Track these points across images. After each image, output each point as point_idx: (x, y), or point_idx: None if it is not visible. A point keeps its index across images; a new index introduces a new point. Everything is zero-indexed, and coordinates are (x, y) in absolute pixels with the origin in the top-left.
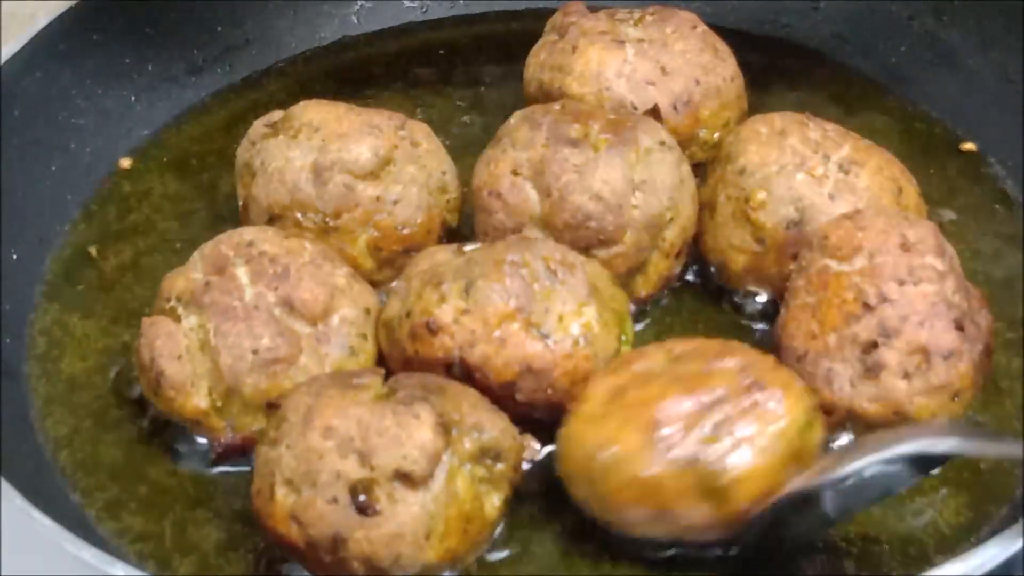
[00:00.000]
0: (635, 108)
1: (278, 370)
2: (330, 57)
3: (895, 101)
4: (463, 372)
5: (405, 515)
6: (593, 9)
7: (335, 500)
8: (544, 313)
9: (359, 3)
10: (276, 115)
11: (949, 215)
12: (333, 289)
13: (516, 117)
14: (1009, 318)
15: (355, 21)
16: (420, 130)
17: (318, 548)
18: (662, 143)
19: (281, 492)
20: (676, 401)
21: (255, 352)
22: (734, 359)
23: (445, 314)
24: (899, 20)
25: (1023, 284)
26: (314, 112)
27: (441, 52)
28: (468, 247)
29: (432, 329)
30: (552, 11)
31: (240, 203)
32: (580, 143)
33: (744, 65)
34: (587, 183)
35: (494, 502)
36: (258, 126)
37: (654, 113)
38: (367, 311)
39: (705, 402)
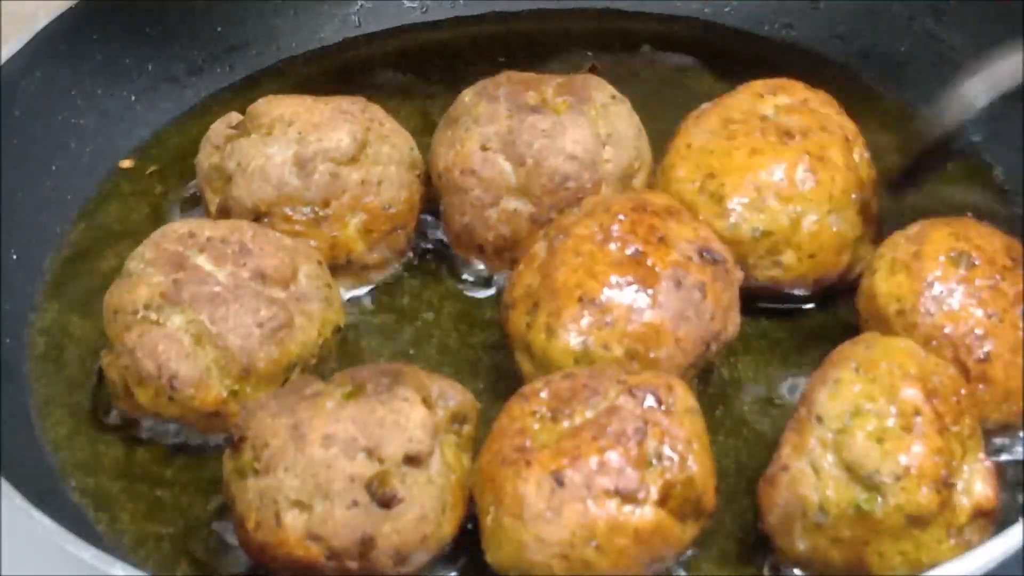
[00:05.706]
0: None
1: (283, 336)
2: (330, 57)
3: (895, 101)
4: None
5: (422, 495)
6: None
7: (355, 503)
8: None
9: (359, 3)
10: (235, 116)
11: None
12: (291, 251)
13: (469, 94)
14: None
15: (355, 21)
16: (379, 111)
17: (343, 557)
18: (613, 97)
19: (290, 516)
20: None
21: (260, 325)
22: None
23: None
24: (899, 20)
25: None
26: (282, 107)
27: (441, 52)
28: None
29: None
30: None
31: (212, 210)
32: (542, 108)
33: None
34: (559, 145)
35: (467, 463)
36: (218, 129)
37: (593, 71)
38: (319, 263)
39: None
